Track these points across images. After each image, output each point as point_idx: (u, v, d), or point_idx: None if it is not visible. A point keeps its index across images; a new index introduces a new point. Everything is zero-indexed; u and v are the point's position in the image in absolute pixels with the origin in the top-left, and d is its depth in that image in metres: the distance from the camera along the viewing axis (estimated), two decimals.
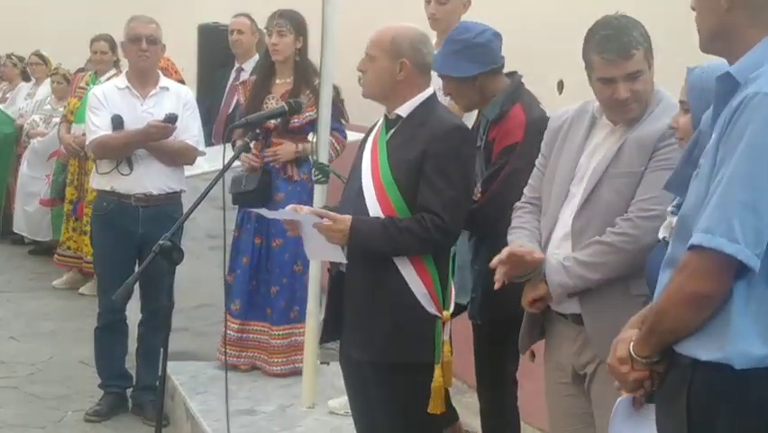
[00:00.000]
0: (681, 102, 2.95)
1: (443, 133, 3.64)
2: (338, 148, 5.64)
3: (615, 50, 3.26)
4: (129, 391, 5.80)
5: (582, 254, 3.29)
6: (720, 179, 2.30)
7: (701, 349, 2.34)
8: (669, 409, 2.44)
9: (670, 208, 2.87)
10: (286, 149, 5.61)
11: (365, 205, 3.66)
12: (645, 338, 2.46)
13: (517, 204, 3.62)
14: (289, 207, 3.85)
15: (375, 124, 3.87)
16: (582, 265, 3.27)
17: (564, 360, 3.42)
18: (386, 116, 3.80)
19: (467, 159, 3.74)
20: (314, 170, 5.08)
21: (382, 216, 3.62)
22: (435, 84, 4.06)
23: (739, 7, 2.40)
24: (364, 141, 3.87)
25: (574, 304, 3.34)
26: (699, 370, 2.35)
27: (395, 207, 3.63)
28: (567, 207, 3.39)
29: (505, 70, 4.28)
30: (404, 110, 3.72)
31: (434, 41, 4.47)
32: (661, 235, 2.86)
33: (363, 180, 3.70)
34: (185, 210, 5.37)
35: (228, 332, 5.61)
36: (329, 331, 3.87)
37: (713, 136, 2.39)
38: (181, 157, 5.60)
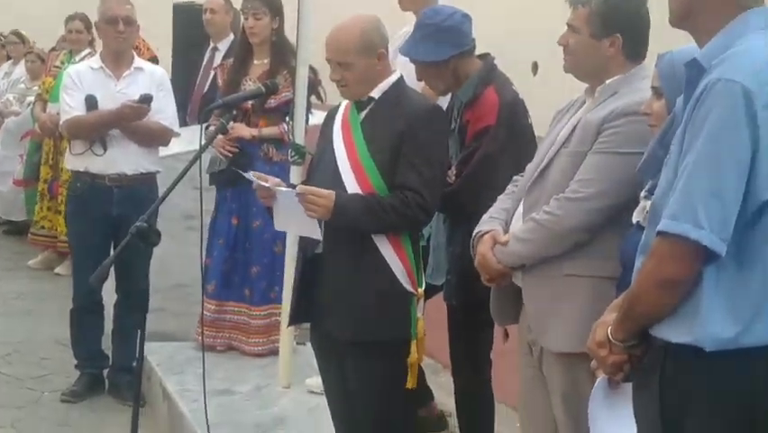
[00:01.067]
0: (653, 88, 2.95)
1: (420, 114, 3.68)
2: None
3: None
4: (105, 371, 5.81)
5: (519, 230, 3.34)
6: (685, 165, 2.33)
7: (673, 332, 2.38)
8: (644, 390, 2.49)
9: (643, 193, 2.88)
10: (241, 129, 5.59)
11: (343, 184, 3.67)
12: (621, 322, 2.50)
13: (514, 177, 3.64)
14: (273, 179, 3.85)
15: (338, 106, 3.89)
16: (517, 241, 3.32)
17: (524, 335, 3.47)
18: None
19: (443, 139, 3.81)
20: (290, 150, 5.09)
21: (362, 193, 3.65)
22: (407, 68, 4.08)
23: None
24: (328, 122, 3.88)
25: (520, 279, 3.40)
26: (672, 352, 2.39)
27: (374, 185, 3.66)
28: None
29: (479, 52, 4.30)
30: (376, 92, 3.75)
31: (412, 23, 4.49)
32: (635, 219, 2.89)
33: (338, 161, 3.72)
34: (160, 191, 5.41)
35: (205, 313, 5.62)
36: (300, 313, 3.89)
37: (683, 121, 2.41)
38: (156, 138, 5.59)
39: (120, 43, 5.52)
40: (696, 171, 2.31)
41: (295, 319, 3.98)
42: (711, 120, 2.30)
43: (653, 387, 2.44)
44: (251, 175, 3.84)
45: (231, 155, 5.55)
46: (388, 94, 3.75)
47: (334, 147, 3.76)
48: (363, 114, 3.77)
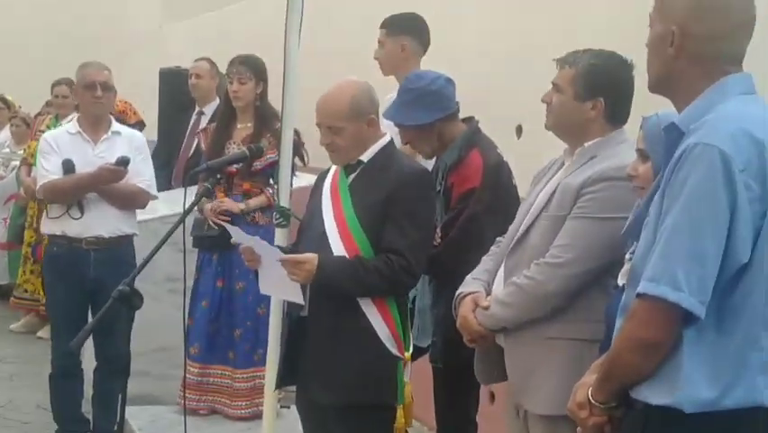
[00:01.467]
0: (638, 150, 2.97)
1: (408, 178, 3.71)
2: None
3: (562, 57, 3.36)
4: None
5: (501, 293, 3.35)
6: (664, 228, 2.34)
7: (653, 394, 2.37)
8: None
9: (627, 255, 2.89)
10: (230, 204, 5.62)
11: (329, 247, 3.68)
12: (601, 383, 2.49)
13: (498, 239, 3.65)
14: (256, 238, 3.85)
15: (327, 170, 3.91)
16: (498, 304, 3.34)
17: (511, 397, 3.46)
18: None
19: (431, 202, 3.83)
20: (275, 213, 5.09)
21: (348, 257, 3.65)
22: (392, 131, 4.09)
23: (687, 57, 2.46)
24: (318, 184, 3.90)
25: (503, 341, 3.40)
26: (653, 414, 2.38)
27: (360, 248, 3.66)
28: None
29: (462, 115, 4.33)
30: (365, 156, 3.77)
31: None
32: (620, 282, 2.89)
33: (326, 224, 3.73)
34: (137, 254, 5.41)
35: (187, 376, 5.57)
36: (286, 376, 3.87)
37: (661, 185, 2.43)
38: (133, 200, 5.58)
39: (98, 108, 5.54)
40: (675, 234, 2.32)
41: (281, 382, 3.95)
42: (690, 184, 2.31)
43: None
44: (238, 233, 3.84)
45: (219, 225, 5.54)
46: (377, 158, 3.77)
47: (323, 210, 3.77)
48: (351, 177, 3.79)
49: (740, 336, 2.34)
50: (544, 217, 3.31)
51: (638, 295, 2.36)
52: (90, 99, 5.51)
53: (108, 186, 5.44)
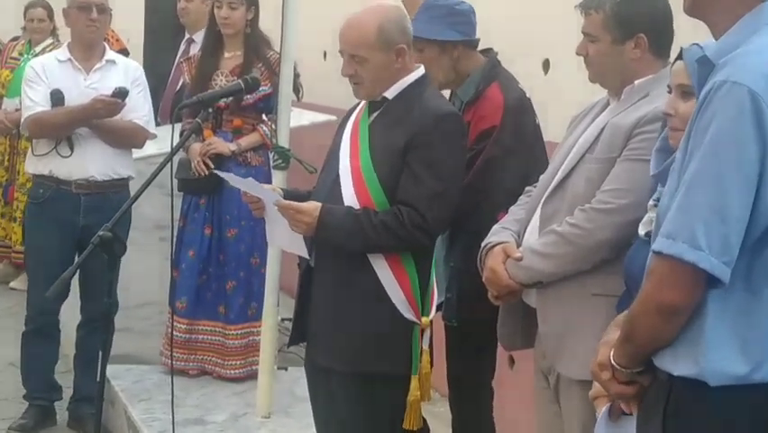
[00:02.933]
0: (678, 86, 2.91)
1: (432, 120, 3.62)
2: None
3: (583, 2, 3.34)
4: (57, 403, 5.73)
5: (537, 243, 3.31)
6: (686, 177, 2.28)
7: (676, 363, 2.35)
8: (647, 427, 2.45)
9: (651, 202, 2.86)
10: (219, 145, 5.61)
11: (341, 194, 3.64)
12: (622, 346, 2.46)
13: (527, 188, 3.63)
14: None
15: (356, 105, 3.86)
16: (534, 255, 3.30)
17: (539, 362, 3.45)
18: None
19: (457, 149, 3.71)
20: (273, 154, 5.08)
21: (358, 206, 3.60)
22: None
23: None
24: (343, 123, 3.85)
25: (534, 297, 3.38)
26: (676, 386, 2.36)
27: (373, 197, 3.61)
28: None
29: (482, 47, 4.30)
30: (391, 92, 3.70)
31: None
32: (642, 232, 2.85)
33: (340, 168, 3.68)
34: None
35: (174, 333, 5.60)
36: (298, 333, 3.85)
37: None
38: (129, 138, 5.54)
39: (92, 32, 5.49)
40: (696, 185, 2.26)
41: (295, 339, 3.91)
42: (714, 128, 2.25)
43: (656, 423, 2.40)
44: (238, 180, 3.83)
45: (207, 171, 5.53)
46: (404, 95, 3.70)
47: (340, 152, 3.72)
48: (373, 117, 3.73)
49: None
50: (588, 160, 3.28)
51: (654, 252, 2.32)
52: (84, 22, 5.46)
53: (102, 121, 5.40)
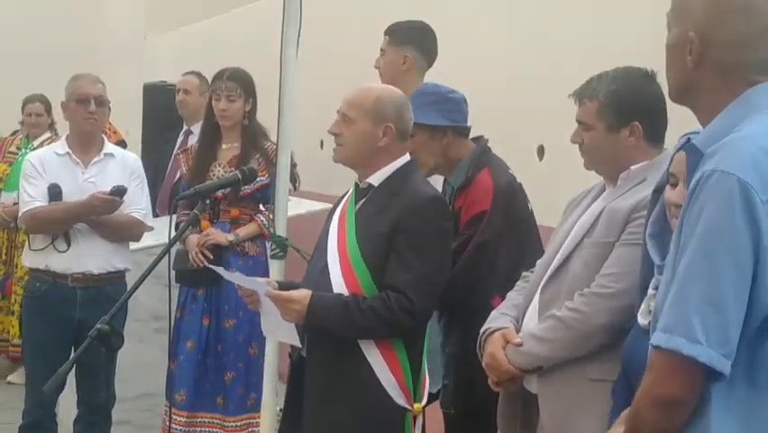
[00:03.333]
0: (675, 174, 2.91)
1: (418, 205, 3.67)
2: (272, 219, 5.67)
3: (577, 91, 3.38)
4: None
5: (536, 328, 3.33)
6: (679, 269, 2.25)
7: None
8: None
9: (651, 291, 2.85)
10: (216, 235, 5.63)
11: (329, 281, 3.67)
12: None
13: (524, 273, 3.65)
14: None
15: (345, 194, 3.91)
16: (533, 340, 3.31)
17: None
18: (356, 185, 3.85)
19: (443, 234, 3.76)
20: (270, 243, 5.11)
21: (347, 293, 3.64)
22: None
23: (707, 67, 2.39)
24: (332, 212, 3.91)
25: (534, 383, 3.38)
26: None
27: (361, 283, 3.64)
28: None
29: (475, 134, 4.36)
30: (376, 178, 3.77)
31: None
32: (643, 322, 2.85)
33: (329, 255, 3.72)
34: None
35: (173, 426, 5.56)
36: (288, 423, 3.85)
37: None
38: (127, 232, 5.55)
39: (90, 125, 5.51)
40: (689, 277, 2.22)
41: (285, 429, 3.92)
42: (705, 219, 2.21)
43: None
44: (230, 275, 3.85)
45: (204, 262, 5.54)
46: (389, 181, 3.75)
47: (328, 240, 3.77)
48: (359, 204, 3.78)
49: None
50: (587, 244, 3.30)
51: (653, 346, 2.28)
52: (82, 115, 5.48)
53: (100, 216, 5.41)
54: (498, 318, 3.50)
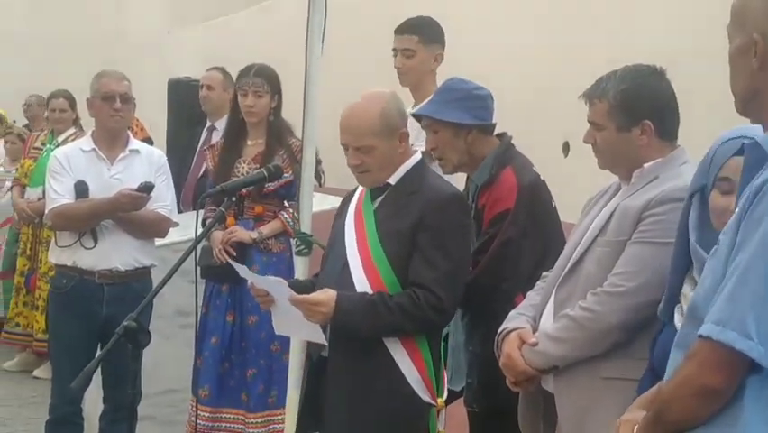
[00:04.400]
0: (724, 180, 2.88)
1: (439, 203, 3.71)
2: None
3: (587, 92, 3.40)
4: None
5: (551, 328, 3.36)
6: (736, 265, 2.31)
7: None
8: None
9: (686, 289, 2.87)
10: (240, 233, 5.66)
11: (351, 280, 3.71)
12: (650, 426, 2.48)
13: (543, 273, 3.68)
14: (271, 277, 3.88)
15: (353, 191, 3.93)
16: (548, 340, 3.35)
17: None
18: None
19: (465, 230, 3.81)
20: (295, 240, 5.13)
21: (371, 291, 3.67)
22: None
23: None
24: (342, 209, 3.93)
25: (551, 383, 3.41)
26: None
27: (385, 282, 3.68)
28: None
29: (500, 130, 4.37)
30: (393, 177, 3.80)
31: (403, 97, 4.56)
32: (676, 320, 2.86)
33: (348, 254, 3.75)
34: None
35: (198, 421, 5.61)
36: (306, 422, 3.90)
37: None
38: (153, 229, 5.58)
39: (116, 122, 5.54)
40: (747, 275, 2.29)
41: (303, 428, 3.96)
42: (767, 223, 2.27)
43: None
44: (246, 272, 3.87)
45: (228, 259, 5.58)
46: (406, 179, 3.79)
47: (345, 239, 3.79)
48: (377, 202, 3.81)
49: None
50: (600, 243, 3.33)
51: (701, 337, 2.34)
52: (108, 112, 5.51)
53: (127, 213, 5.45)
54: (515, 318, 3.54)
